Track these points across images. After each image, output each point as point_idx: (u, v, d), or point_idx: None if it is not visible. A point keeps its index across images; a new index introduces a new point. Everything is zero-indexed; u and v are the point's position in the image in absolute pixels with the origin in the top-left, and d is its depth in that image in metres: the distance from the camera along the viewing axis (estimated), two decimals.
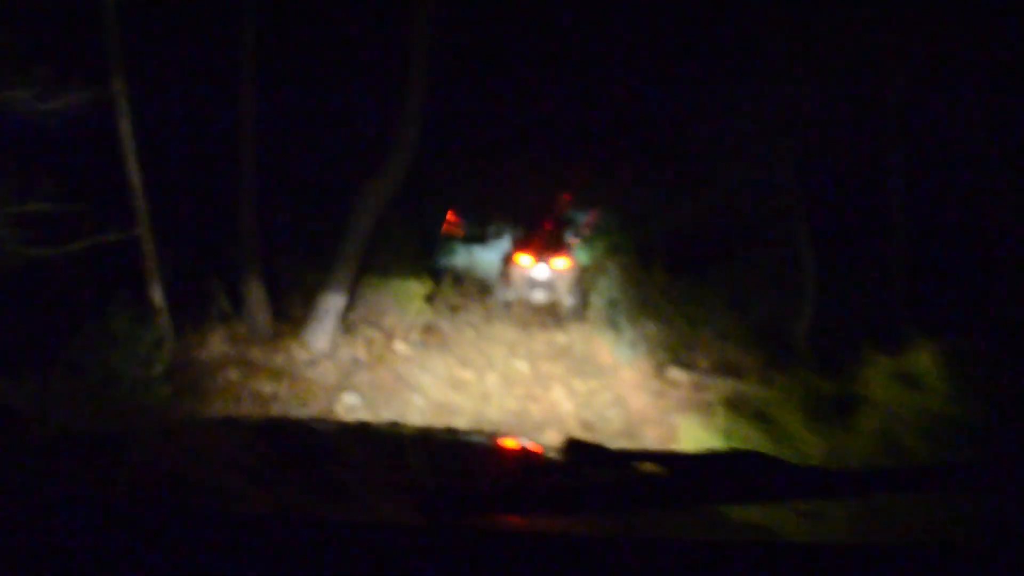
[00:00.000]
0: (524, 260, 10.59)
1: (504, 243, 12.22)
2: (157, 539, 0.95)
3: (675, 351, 8.40)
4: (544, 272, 10.35)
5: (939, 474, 1.15)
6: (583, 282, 10.65)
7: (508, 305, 10.40)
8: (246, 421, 3.83)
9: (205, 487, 1.34)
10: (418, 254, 10.30)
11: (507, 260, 10.79)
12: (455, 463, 1.88)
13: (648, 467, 1.35)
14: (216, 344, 7.30)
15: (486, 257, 12.97)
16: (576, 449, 1.61)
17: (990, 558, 0.98)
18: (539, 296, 10.25)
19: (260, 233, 8.05)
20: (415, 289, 9.78)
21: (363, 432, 2.28)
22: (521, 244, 10.89)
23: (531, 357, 9.10)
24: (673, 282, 9.25)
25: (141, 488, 1.32)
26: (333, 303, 7.62)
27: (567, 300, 10.35)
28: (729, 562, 0.97)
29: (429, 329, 9.73)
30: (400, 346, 8.57)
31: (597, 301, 10.17)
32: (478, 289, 11.37)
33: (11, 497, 1.09)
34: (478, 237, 13.72)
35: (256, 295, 7.98)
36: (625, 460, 1.45)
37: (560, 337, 10.03)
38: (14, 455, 1.50)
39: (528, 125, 12.87)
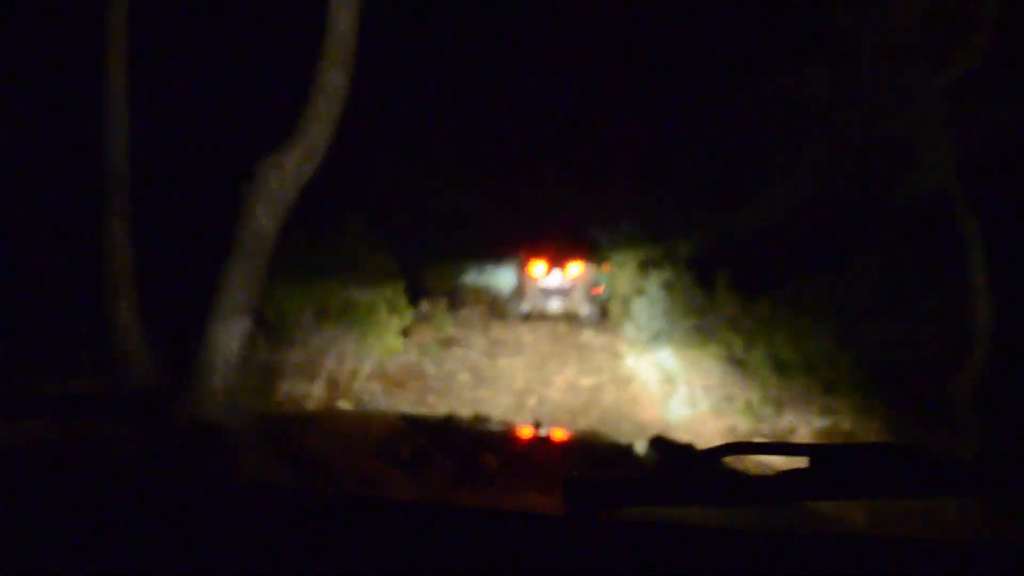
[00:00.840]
0: (538, 269, 9.95)
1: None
2: (309, 525, 0.98)
3: (756, 412, 5.54)
4: (558, 280, 9.87)
5: None
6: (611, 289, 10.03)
7: (525, 318, 9.96)
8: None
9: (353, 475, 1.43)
10: (392, 273, 7.63)
11: (520, 270, 10.25)
12: (584, 456, 1.92)
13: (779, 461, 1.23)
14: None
15: (498, 276, 11.84)
16: (663, 447, 1.61)
17: None
18: (555, 306, 9.82)
19: (136, 245, 5.46)
20: (384, 321, 7.13)
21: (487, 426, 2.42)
22: (533, 252, 10.19)
23: (546, 413, 6.40)
24: (747, 306, 6.36)
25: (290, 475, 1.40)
26: (224, 342, 4.94)
27: (583, 309, 9.81)
28: (873, 557, 0.96)
29: (404, 374, 7.11)
30: (345, 405, 5.87)
31: (634, 333, 7.71)
32: (486, 312, 10.42)
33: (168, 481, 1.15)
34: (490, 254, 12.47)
35: (129, 334, 5.37)
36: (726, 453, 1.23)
37: (586, 380, 7.36)
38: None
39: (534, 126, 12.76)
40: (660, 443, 1.60)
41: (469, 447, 1.83)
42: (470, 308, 10.37)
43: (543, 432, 2.13)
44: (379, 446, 1.76)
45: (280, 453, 1.62)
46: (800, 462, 1.20)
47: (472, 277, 11.63)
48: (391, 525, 0.99)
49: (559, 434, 2.43)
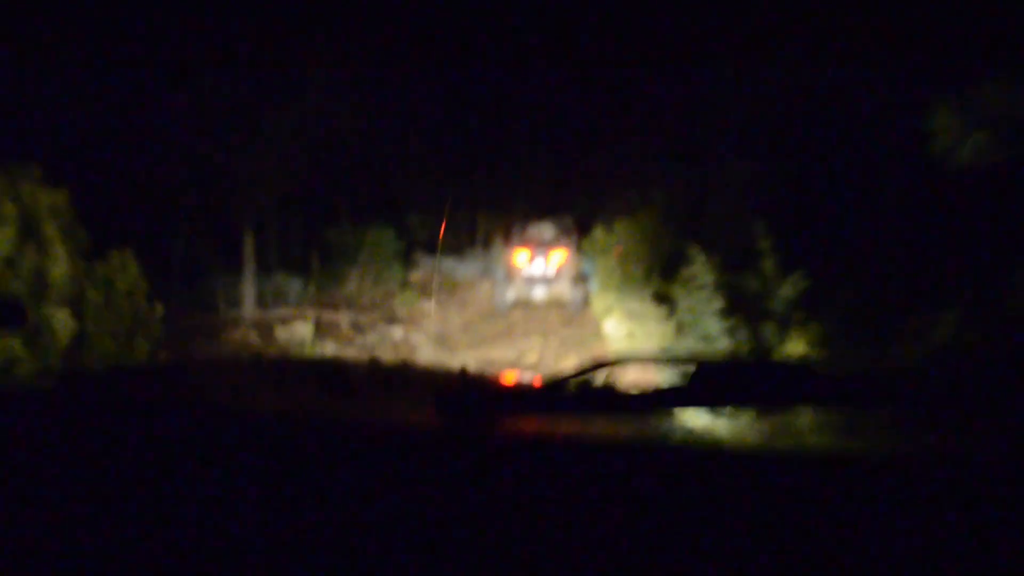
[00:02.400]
0: (521, 258, 10.12)
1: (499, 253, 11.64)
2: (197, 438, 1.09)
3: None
4: (542, 267, 10.01)
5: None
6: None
7: (509, 307, 10.05)
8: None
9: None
10: None
11: (504, 259, 10.42)
12: (464, 380, 1.93)
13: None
14: None
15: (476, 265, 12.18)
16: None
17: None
18: (540, 293, 9.97)
19: None
20: None
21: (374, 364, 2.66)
22: (517, 241, 10.40)
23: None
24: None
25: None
26: None
27: (568, 295, 9.98)
28: (752, 467, 0.97)
29: None
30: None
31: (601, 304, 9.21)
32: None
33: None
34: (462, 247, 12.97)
35: None
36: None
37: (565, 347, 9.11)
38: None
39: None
40: (544, 376, 1.61)
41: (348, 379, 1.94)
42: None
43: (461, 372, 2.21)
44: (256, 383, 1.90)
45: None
46: (682, 374, 1.34)
47: (452, 266, 12.12)
48: (260, 437, 1.05)
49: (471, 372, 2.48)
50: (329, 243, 11.38)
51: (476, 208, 13.25)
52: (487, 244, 12.58)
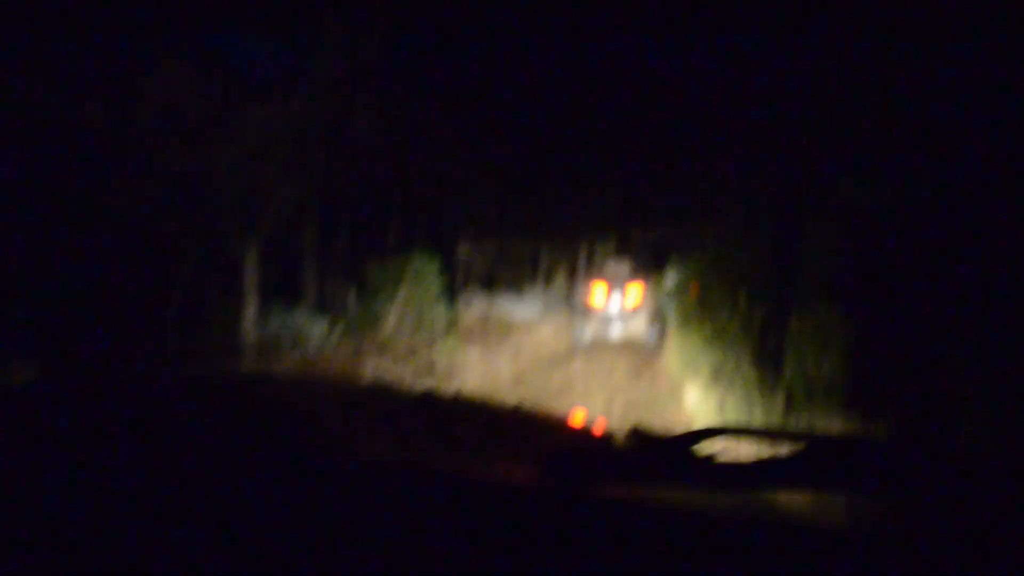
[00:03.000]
0: (598, 295, 9.76)
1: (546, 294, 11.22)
2: (290, 476, 1.00)
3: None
4: (618, 305, 9.66)
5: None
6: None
7: (586, 346, 9.64)
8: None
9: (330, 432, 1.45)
10: None
11: (580, 297, 10.11)
12: (559, 434, 1.93)
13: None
14: None
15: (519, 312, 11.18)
16: (640, 434, 1.58)
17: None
18: (616, 332, 9.63)
19: None
20: None
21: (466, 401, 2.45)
22: (594, 276, 10.12)
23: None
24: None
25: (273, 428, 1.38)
26: None
27: (645, 334, 9.63)
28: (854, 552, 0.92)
29: None
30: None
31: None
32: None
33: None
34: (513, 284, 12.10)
35: None
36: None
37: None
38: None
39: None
40: (637, 431, 1.66)
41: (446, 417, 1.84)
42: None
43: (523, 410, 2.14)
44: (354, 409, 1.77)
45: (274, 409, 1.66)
46: (783, 450, 1.20)
47: (508, 306, 11.31)
48: (361, 485, 0.99)
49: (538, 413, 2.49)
50: (366, 277, 9.92)
51: (538, 238, 11.72)
52: (549, 280, 11.40)
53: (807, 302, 5.94)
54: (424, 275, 9.73)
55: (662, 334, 9.60)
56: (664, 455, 1.27)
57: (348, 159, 8.73)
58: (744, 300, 7.34)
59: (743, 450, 1.46)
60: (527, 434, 1.82)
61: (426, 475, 1.05)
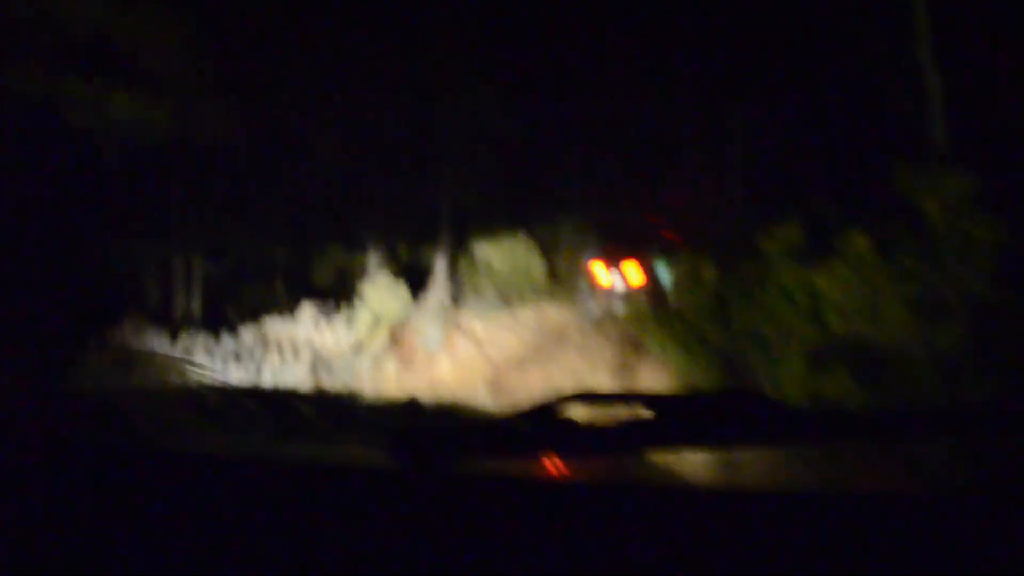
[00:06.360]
0: (598, 270, 9.92)
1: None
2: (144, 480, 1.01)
3: None
4: (619, 278, 9.75)
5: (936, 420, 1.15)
6: None
7: (595, 322, 9.65)
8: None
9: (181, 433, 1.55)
10: None
11: (586, 273, 10.18)
12: (423, 417, 2.01)
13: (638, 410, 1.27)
14: None
15: None
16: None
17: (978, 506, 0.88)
18: (620, 307, 9.60)
19: None
20: None
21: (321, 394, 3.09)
22: (593, 254, 10.26)
23: None
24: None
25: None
26: None
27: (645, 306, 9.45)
28: (725, 511, 0.91)
29: None
30: None
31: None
32: None
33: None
34: None
35: None
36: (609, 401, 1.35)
37: None
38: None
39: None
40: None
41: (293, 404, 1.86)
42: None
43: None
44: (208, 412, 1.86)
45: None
46: (645, 412, 1.20)
47: None
48: (213, 482, 0.99)
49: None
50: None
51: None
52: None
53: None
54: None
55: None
56: (528, 423, 1.27)
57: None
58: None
59: (610, 414, 1.41)
60: (378, 419, 1.79)
61: (278, 465, 1.07)
